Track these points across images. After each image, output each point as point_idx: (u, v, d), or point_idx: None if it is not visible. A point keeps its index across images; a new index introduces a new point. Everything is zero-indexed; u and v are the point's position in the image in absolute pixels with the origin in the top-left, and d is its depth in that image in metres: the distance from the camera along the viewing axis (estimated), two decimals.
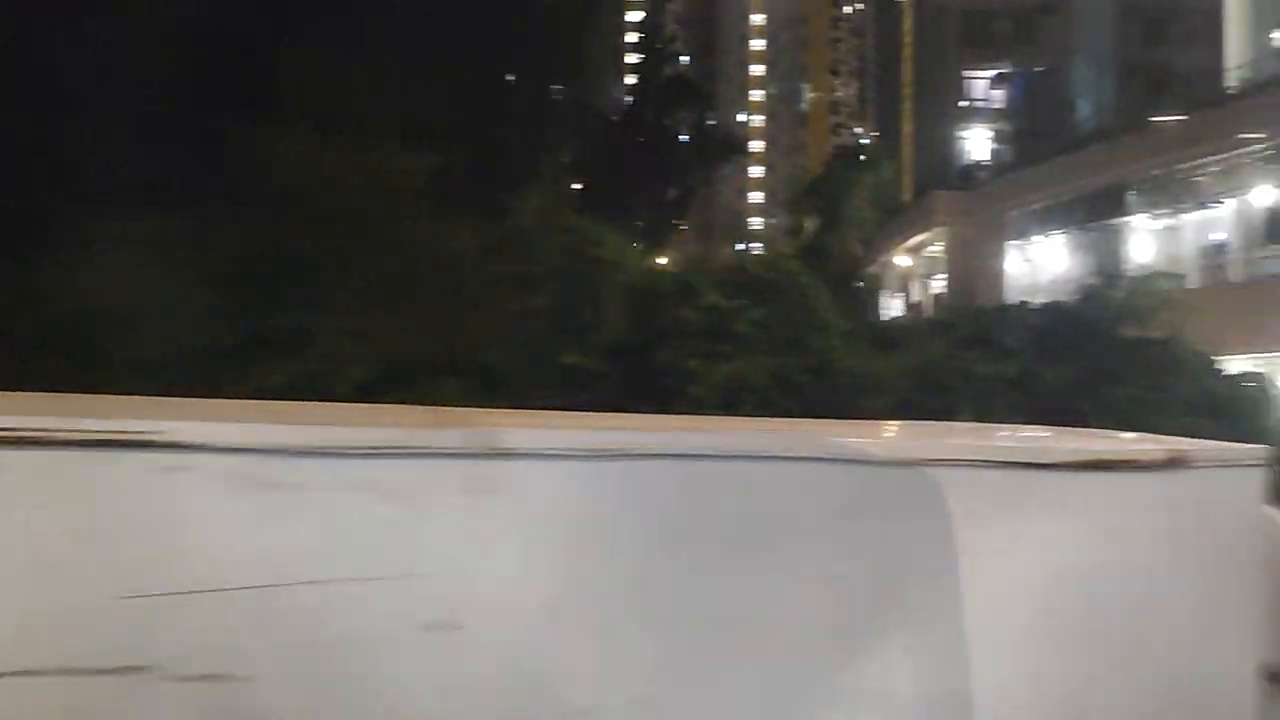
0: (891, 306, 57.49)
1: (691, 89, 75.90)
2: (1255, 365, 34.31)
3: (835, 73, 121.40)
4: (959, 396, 10.95)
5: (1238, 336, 33.07)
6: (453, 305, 10.17)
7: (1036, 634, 2.43)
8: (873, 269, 58.17)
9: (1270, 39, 43.83)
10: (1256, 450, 3.03)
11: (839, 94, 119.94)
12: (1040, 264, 45.26)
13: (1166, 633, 2.54)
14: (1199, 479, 2.74)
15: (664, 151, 59.86)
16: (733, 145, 68.94)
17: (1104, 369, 12.00)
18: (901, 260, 55.48)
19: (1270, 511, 5.00)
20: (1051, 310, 13.90)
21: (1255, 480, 2.73)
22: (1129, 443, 3.21)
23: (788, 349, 10.74)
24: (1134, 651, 2.49)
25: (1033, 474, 2.44)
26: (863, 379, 10.36)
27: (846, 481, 2.35)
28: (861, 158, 18.66)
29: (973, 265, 47.18)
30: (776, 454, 2.31)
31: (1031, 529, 2.46)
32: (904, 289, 56.36)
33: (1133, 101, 45.53)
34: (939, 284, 51.93)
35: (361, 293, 10.16)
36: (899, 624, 2.40)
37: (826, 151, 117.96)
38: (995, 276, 46.03)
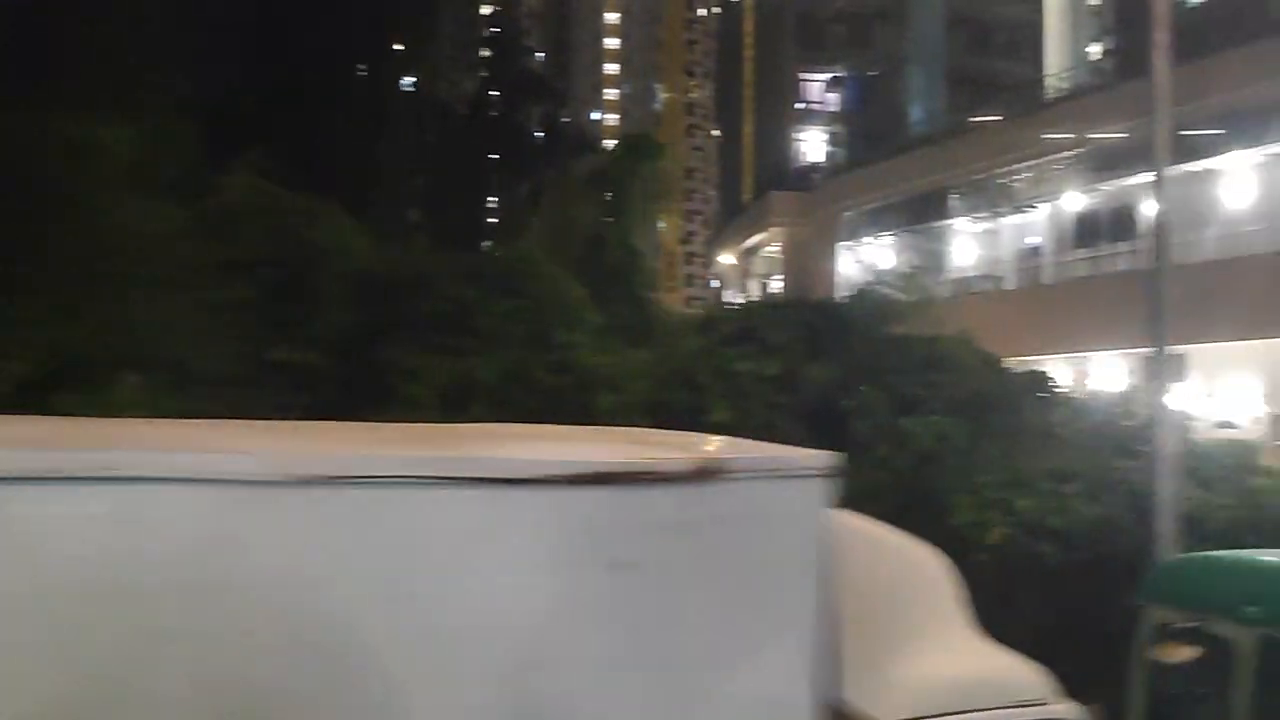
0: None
1: (542, 84, 75.06)
2: (1069, 364, 35.50)
3: (690, 74, 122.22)
4: (713, 394, 10.36)
5: (1044, 336, 34.11)
6: (143, 292, 9.01)
7: (500, 676, 2.06)
8: (712, 266, 58.40)
9: (1087, 52, 45.59)
10: (817, 458, 2.70)
11: (694, 95, 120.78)
12: (872, 264, 46.03)
13: (693, 667, 2.28)
14: (737, 492, 2.45)
15: (514, 146, 58.89)
16: (585, 142, 68.36)
17: (871, 366, 11.61)
18: (741, 260, 55.82)
19: (855, 523, 4.14)
20: (821, 307, 13.56)
21: (813, 492, 2.50)
22: (661, 451, 2.75)
23: (530, 344, 9.99)
24: (648, 685, 2.22)
25: (502, 491, 2.09)
26: (607, 376, 9.67)
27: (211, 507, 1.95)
28: (643, 146, 18.23)
29: (808, 265, 47.70)
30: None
31: (497, 554, 2.11)
32: (744, 289, 56.71)
33: (961, 107, 46.76)
34: (777, 284, 52.39)
35: (35, 276, 8.91)
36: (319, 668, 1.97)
37: (681, 152, 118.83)
38: (829, 277, 46.60)
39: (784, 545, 2.44)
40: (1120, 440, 11.71)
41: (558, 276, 10.80)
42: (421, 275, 10.10)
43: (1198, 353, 30.65)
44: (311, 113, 24.36)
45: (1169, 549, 8.07)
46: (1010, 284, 38.32)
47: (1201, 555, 5.54)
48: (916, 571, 4.23)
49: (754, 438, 10.81)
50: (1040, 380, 15.34)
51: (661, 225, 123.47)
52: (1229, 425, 28.60)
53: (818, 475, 2.67)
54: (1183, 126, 30.67)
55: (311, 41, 27.53)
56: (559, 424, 4.79)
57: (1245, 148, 29.30)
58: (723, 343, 11.39)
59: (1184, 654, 5.34)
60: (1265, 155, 29.10)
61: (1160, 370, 8.82)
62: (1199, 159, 30.63)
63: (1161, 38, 8.42)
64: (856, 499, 10.08)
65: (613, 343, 10.25)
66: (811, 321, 12.07)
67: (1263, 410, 29.06)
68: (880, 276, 18.03)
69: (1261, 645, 4.71)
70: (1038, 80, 43.63)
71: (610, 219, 14.24)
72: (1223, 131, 29.67)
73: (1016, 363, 33.69)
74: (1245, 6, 31.21)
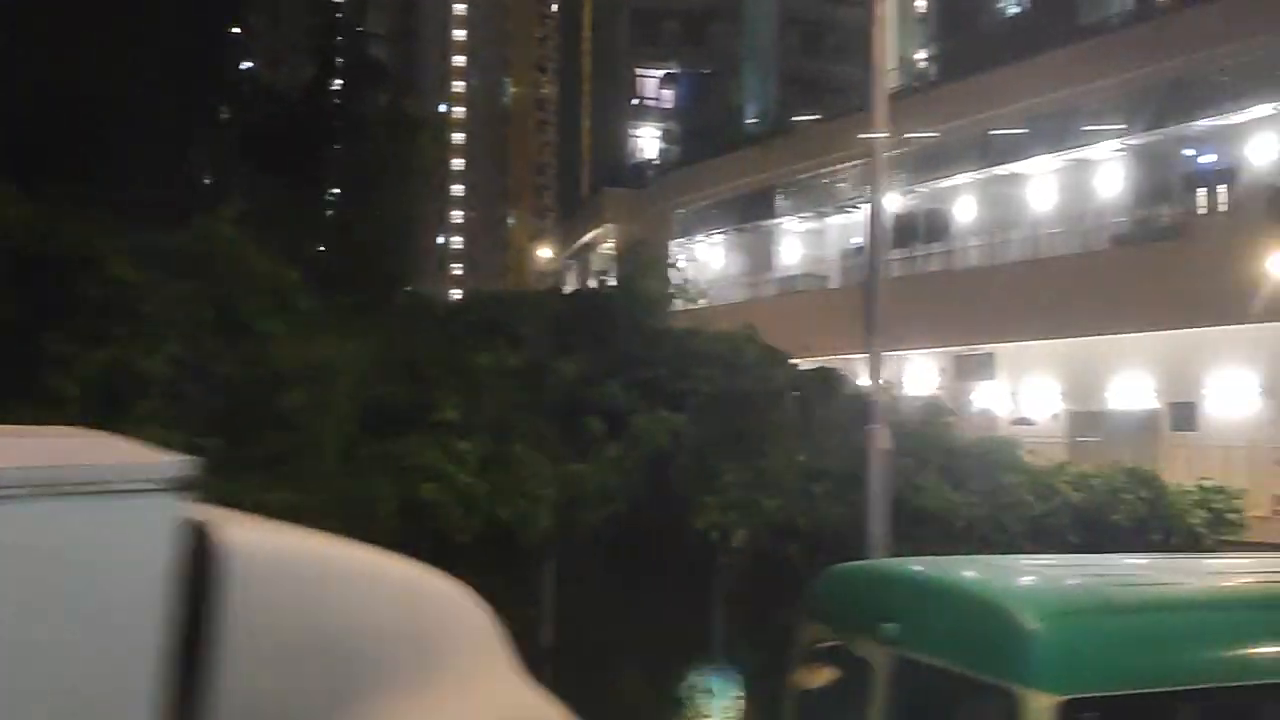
0: None
1: (382, 72, 72.73)
2: (888, 363, 36.06)
3: (542, 69, 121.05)
4: (442, 390, 9.53)
5: (852, 336, 34.53)
6: None
7: None
8: (551, 263, 57.56)
9: (915, 58, 46.57)
10: (161, 466, 2.12)
11: (546, 90, 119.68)
12: (704, 262, 46.06)
13: None
14: (34, 514, 1.92)
15: (350, 135, 56.71)
16: (425, 134, 66.47)
17: (628, 361, 10.99)
18: (578, 257, 55.19)
19: (320, 551, 2.94)
20: (578, 299, 12.91)
21: (147, 513, 1.99)
22: None
23: (215, 333, 8.95)
24: None
25: None
26: (303, 369, 8.72)
27: None
28: (402, 128, 17.17)
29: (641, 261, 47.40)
30: None
31: None
32: (582, 285, 56.12)
33: (793, 107, 47.14)
34: (614, 282, 51.98)
35: None
36: None
37: (531, 148, 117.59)
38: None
39: (119, 580, 1.90)
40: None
41: (254, 257, 9.65)
42: (86, 252, 8.78)
43: (1006, 352, 31.57)
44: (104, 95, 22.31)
45: (878, 552, 7.65)
46: (834, 283, 38.74)
47: (861, 565, 4.95)
48: (411, 612, 3.42)
49: (485, 435, 10.13)
50: (827, 378, 15.08)
51: (511, 221, 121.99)
52: (1025, 422, 29.42)
53: (155, 489, 2.02)
54: (992, 129, 31.60)
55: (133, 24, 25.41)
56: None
57: (1048, 152, 30.21)
58: (466, 334, 10.60)
59: (824, 677, 4.72)
60: (1065, 160, 30.05)
61: (878, 372, 8.39)
62: (1006, 162, 31.50)
63: (880, 93, 8.05)
64: (581, 503, 9.41)
65: (326, 333, 9.25)
66: (566, 313, 11.38)
67: (1061, 408, 29.98)
68: (650, 268, 17.51)
69: (898, 668, 4.11)
70: (863, 83, 44.30)
71: (372, 200, 13.12)
72: (1026, 133, 30.55)
73: (832, 361, 34.01)
74: (1058, 13, 32.15)
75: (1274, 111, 25.13)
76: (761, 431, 10.94)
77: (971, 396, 32.92)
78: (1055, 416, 29.85)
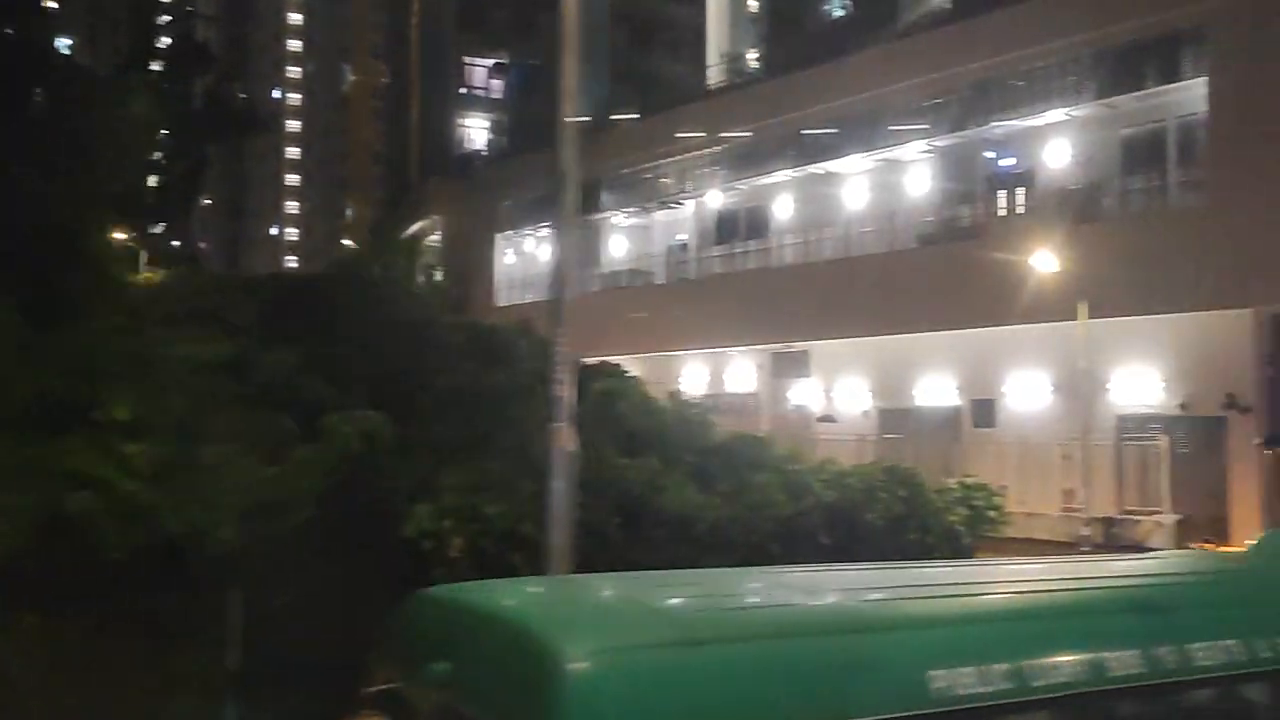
0: None
1: (204, 54, 68.99)
2: (705, 360, 35.95)
3: (379, 56, 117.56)
4: (117, 384, 8.35)
5: (682, 332, 34.30)
6: None
7: None
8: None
9: (746, 55, 46.66)
10: None
11: (385, 79, 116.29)
12: (531, 257, 45.16)
13: None
14: None
15: (168, 119, 53.34)
16: (256, 120, 63.47)
17: (344, 352, 10.00)
18: None
19: None
20: (296, 284, 11.85)
21: None
22: None
23: None
24: None
25: None
26: None
27: None
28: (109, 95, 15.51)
29: (469, 256, 46.14)
30: None
31: None
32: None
33: (624, 102, 46.57)
34: (441, 276, 50.45)
35: None
36: None
37: (369, 136, 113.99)
38: (487, 267, 45.30)
39: None
40: (628, 436, 10.75)
41: None
42: None
43: (821, 350, 31.75)
44: None
45: (560, 565, 6.93)
46: (659, 279, 38.43)
47: (446, 589, 4.12)
48: None
49: (169, 436, 9.03)
50: (598, 374, 14.26)
51: (350, 213, 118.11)
52: (829, 419, 29.64)
53: None
54: (807, 127, 31.71)
55: None
56: None
57: (861, 151, 30.48)
58: (164, 323, 9.44)
59: None
60: (876, 160, 30.37)
61: (565, 367, 7.66)
62: (822, 160, 31.67)
63: (570, 110, 7.33)
64: (270, 510, 8.40)
65: None
66: (281, 300, 10.33)
67: (870, 405, 30.29)
68: (394, 250, 16.52)
69: (440, 717, 3.27)
70: (694, 80, 44.15)
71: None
72: (840, 132, 30.76)
73: (658, 359, 33.52)
74: (880, 14, 32.38)
75: (1066, 117, 25.84)
76: (502, 431, 10.10)
77: (788, 394, 33.08)
78: (866, 414, 30.18)
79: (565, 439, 6.79)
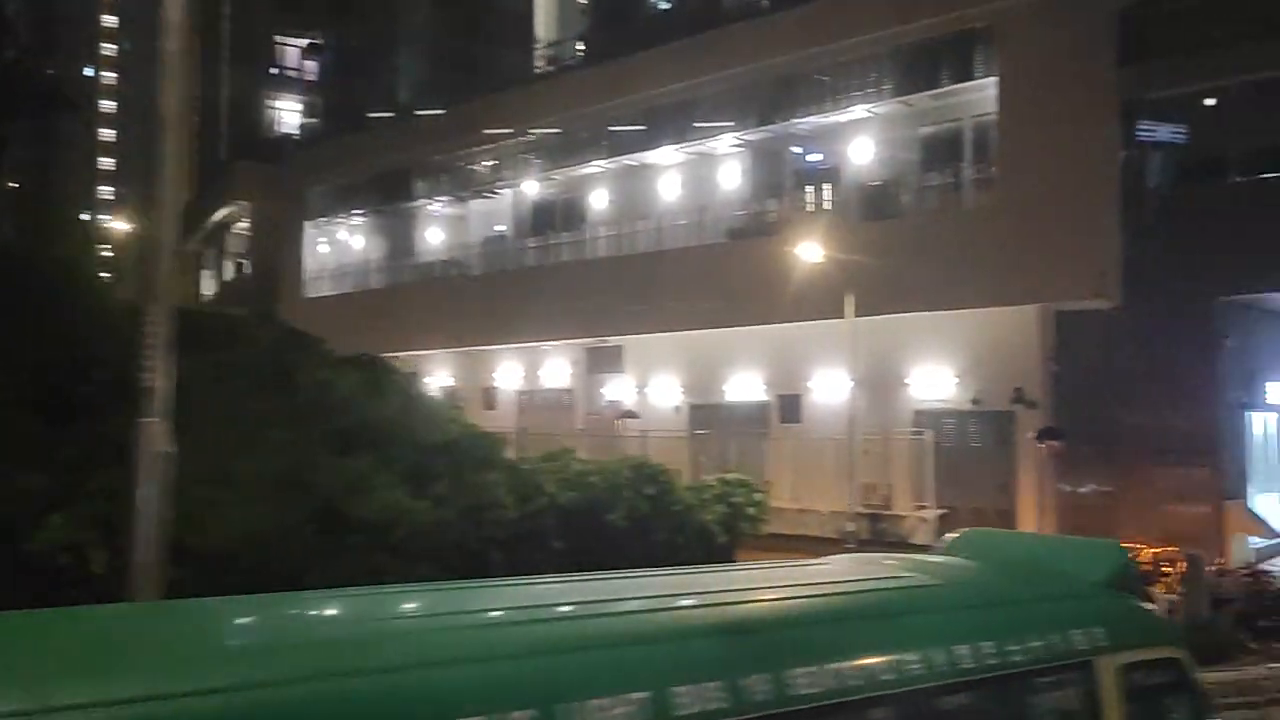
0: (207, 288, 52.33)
1: (2, 24, 63.97)
2: (521, 355, 34.97)
3: (196, 32, 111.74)
4: None
5: (497, 326, 33.25)
6: None
7: None
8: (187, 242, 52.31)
9: (575, 45, 45.78)
10: None
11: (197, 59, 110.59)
12: (344, 244, 43.24)
13: None
14: None
15: None
16: (59, 97, 58.98)
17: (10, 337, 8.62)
18: (213, 236, 50.53)
19: None
20: None
21: None
22: None
23: None
24: None
25: None
26: None
27: None
28: None
29: (278, 242, 43.86)
30: None
31: None
32: (218, 268, 51.51)
33: (445, 88, 45.13)
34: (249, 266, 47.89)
35: None
36: None
37: (189, 118, 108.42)
38: (297, 254, 43.11)
39: None
40: (340, 433, 9.69)
41: None
42: None
43: (634, 344, 31.18)
44: None
45: (144, 588, 5.84)
46: (475, 271, 37.17)
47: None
48: None
49: None
50: (361, 366, 13.09)
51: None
52: (631, 415, 29.11)
53: None
54: (621, 118, 31.07)
55: None
56: None
57: (673, 143, 30.00)
58: None
59: None
60: (689, 153, 29.97)
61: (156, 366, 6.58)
62: (636, 151, 31.08)
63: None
64: None
65: None
66: None
67: (681, 400, 29.90)
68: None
69: None
70: (520, 68, 43.06)
71: None
72: (653, 124, 30.23)
73: (470, 352, 32.21)
74: (703, 5, 31.91)
75: (869, 114, 25.93)
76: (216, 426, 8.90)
77: (603, 390, 32.41)
78: (677, 409, 29.76)
79: (156, 437, 5.71)
